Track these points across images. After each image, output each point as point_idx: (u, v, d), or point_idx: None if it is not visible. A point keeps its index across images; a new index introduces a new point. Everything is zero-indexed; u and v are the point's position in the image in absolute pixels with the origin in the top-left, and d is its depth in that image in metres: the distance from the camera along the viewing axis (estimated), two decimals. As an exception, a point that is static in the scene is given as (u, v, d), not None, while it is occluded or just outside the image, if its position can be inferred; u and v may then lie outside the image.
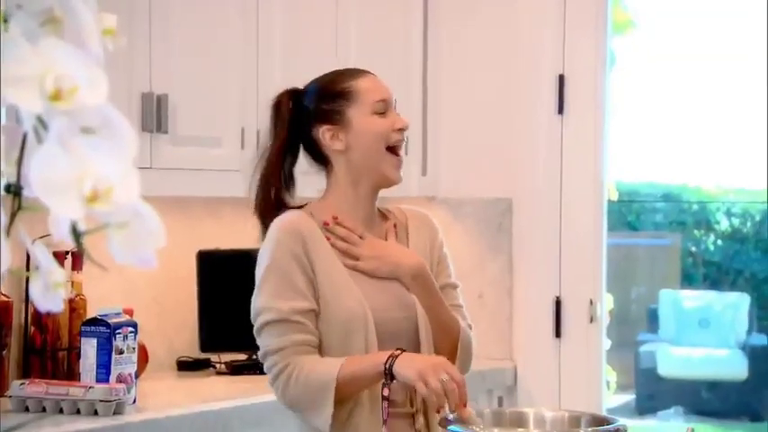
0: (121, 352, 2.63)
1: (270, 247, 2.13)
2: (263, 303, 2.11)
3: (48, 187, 0.80)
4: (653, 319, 7.70)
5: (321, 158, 2.21)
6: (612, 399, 6.59)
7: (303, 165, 2.25)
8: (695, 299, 7.67)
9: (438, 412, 2.00)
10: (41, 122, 0.83)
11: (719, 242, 7.93)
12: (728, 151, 7.42)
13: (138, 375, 2.71)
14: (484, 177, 3.65)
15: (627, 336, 7.24)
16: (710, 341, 7.42)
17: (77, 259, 2.83)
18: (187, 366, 3.23)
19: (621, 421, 1.86)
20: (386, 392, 2.00)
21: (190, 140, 2.97)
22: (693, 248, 7.97)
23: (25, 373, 2.80)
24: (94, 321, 2.65)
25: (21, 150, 0.84)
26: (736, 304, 7.53)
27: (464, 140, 3.67)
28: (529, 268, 3.59)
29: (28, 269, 0.88)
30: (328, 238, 2.15)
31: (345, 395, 2.04)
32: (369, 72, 2.21)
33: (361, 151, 2.15)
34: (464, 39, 3.67)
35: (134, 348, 2.67)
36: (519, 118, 3.59)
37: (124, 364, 2.63)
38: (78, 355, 2.68)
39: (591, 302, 3.56)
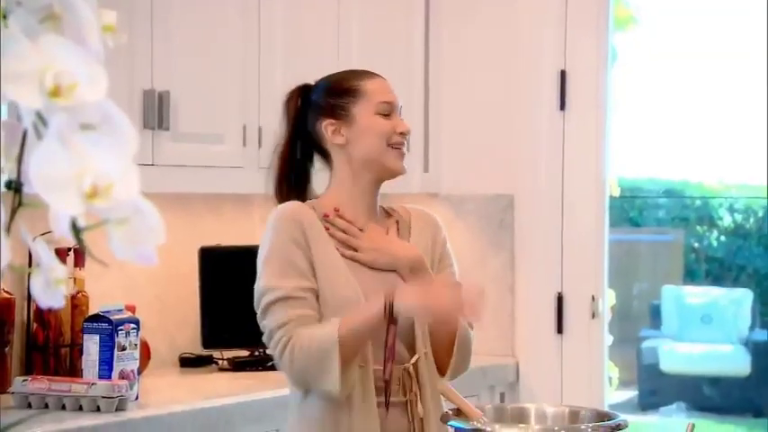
0: (124, 348, 2.63)
1: (270, 234, 2.15)
2: (267, 284, 2.13)
3: (47, 183, 0.81)
4: (655, 315, 7.70)
5: (323, 153, 2.24)
6: (615, 395, 6.59)
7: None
8: (698, 295, 7.67)
9: (471, 327, 2.13)
10: (41, 119, 0.83)
11: (722, 238, 7.92)
12: (731, 147, 7.41)
13: (140, 372, 2.71)
14: (486, 174, 3.65)
15: (629, 332, 7.24)
16: (713, 337, 7.42)
17: (80, 256, 2.83)
18: (189, 363, 3.24)
19: (622, 417, 1.86)
20: (390, 340, 2.02)
21: (191, 137, 2.97)
22: (696, 244, 7.97)
23: (28, 369, 2.81)
24: (97, 318, 2.65)
25: (21, 147, 0.84)
26: (739, 300, 7.53)
27: (466, 137, 3.67)
28: (531, 264, 3.59)
29: (30, 266, 0.88)
30: (327, 229, 2.17)
31: (350, 352, 2.05)
32: (379, 75, 2.25)
33: (361, 147, 2.18)
34: (466, 34, 3.67)
35: (136, 345, 2.67)
36: (520, 114, 3.59)
37: (126, 361, 2.63)
38: (80, 352, 2.68)
39: (593, 298, 3.56)
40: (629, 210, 7.96)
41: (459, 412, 1.88)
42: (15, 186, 0.85)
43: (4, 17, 0.83)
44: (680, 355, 7.41)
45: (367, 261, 2.17)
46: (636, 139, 7.29)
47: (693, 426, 1.78)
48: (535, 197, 3.59)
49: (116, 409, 2.49)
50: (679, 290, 7.71)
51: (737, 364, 7.28)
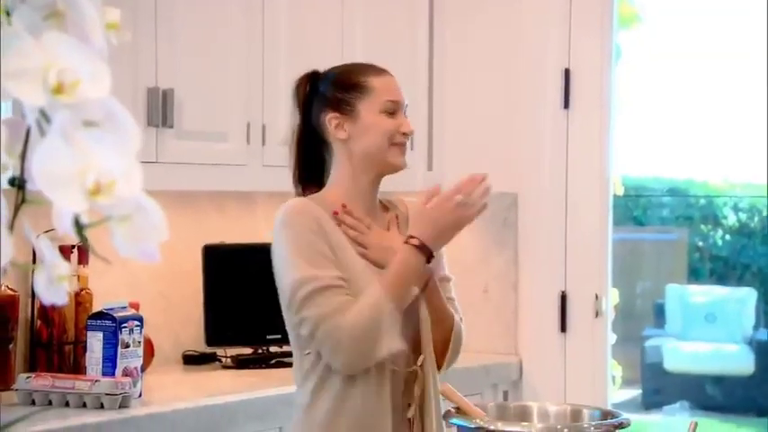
0: (127, 346, 2.64)
1: (288, 230, 2.11)
2: (302, 275, 2.07)
3: (50, 180, 0.81)
4: (659, 314, 7.70)
5: (326, 144, 2.24)
6: (618, 393, 6.58)
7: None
8: (702, 294, 7.66)
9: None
10: (44, 116, 0.83)
11: (727, 237, 7.91)
12: (736, 145, 7.40)
13: (143, 369, 2.72)
14: (489, 172, 3.62)
15: (633, 330, 7.24)
16: (717, 336, 7.41)
17: (83, 253, 2.84)
18: (193, 360, 3.24)
19: (625, 415, 1.86)
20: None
21: (195, 135, 2.98)
22: (700, 243, 7.96)
23: (32, 366, 2.81)
24: (100, 315, 2.66)
25: (24, 144, 0.84)
26: (743, 299, 7.52)
27: (469, 135, 3.67)
28: (534, 263, 3.59)
29: (34, 263, 0.88)
30: (339, 225, 2.17)
31: (399, 309, 2.08)
32: (388, 72, 2.24)
33: (363, 144, 2.18)
34: (470, 33, 3.67)
35: (140, 342, 2.68)
36: (524, 113, 3.59)
37: (130, 358, 2.64)
38: (84, 349, 2.69)
39: (596, 297, 3.55)
40: (634, 208, 7.96)
41: (460, 411, 1.88)
42: (19, 183, 0.85)
43: (8, 14, 0.84)
44: (684, 353, 7.40)
45: (375, 259, 2.16)
46: (640, 138, 7.28)
47: (696, 424, 1.78)
48: (539, 196, 3.58)
49: (119, 407, 2.50)
50: (683, 289, 7.70)
51: (741, 363, 7.28)
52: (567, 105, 3.56)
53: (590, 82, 3.54)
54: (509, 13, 3.61)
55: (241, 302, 3.29)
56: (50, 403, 2.51)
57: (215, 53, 3.03)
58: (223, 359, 3.24)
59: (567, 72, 3.55)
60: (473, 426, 1.82)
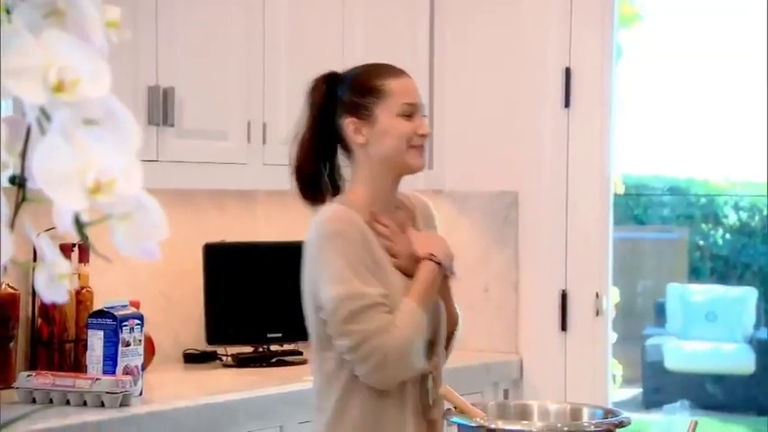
0: (128, 344, 2.64)
1: (336, 240, 2.14)
2: (352, 290, 2.11)
3: (51, 178, 0.81)
4: (660, 313, 7.70)
5: (347, 148, 2.26)
6: (619, 392, 6.58)
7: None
8: (702, 293, 7.66)
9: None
10: (44, 114, 0.83)
11: (727, 236, 7.91)
12: (736, 144, 7.40)
13: (144, 368, 2.72)
14: (490, 171, 3.65)
15: (633, 329, 7.24)
16: (718, 335, 7.41)
17: (84, 252, 2.84)
18: (193, 359, 3.24)
19: (625, 414, 1.86)
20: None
21: (196, 134, 2.98)
22: (701, 242, 7.96)
23: (32, 364, 2.81)
24: (101, 313, 2.66)
25: (24, 142, 0.84)
26: (744, 298, 7.52)
27: (470, 134, 3.67)
28: (535, 261, 3.59)
29: (35, 261, 0.88)
30: (376, 234, 2.21)
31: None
32: (404, 73, 2.26)
33: (381, 148, 2.21)
34: (470, 32, 3.67)
35: (140, 340, 2.68)
36: (525, 111, 3.59)
37: (130, 357, 2.64)
38: (85, 347, 2.69)
39: (597, 296, 3.55)
40: (634, 207, 7.96)
41: (459, 411, 1.89)
42: (19, 182, 0.85)
43: (8, 12, 0.84)
44: (684, 352, 7.40)
45: (404, 267, 2.21)
46: (641, 137, 7.28)
47: (697, 423, 1.78)
48: (539, 194, 3.58)
49: (120, 405, 2.50)
50: (684, 288, 7.70)
51: (742, 362, 7.28)
52: (567, 104, 3.56)
53: (591, 81, 3.54)
54: (509, 12, 3.61)
55: (241, 301, 3.29)
56: (51, 401, 2.51)
57: (215, 52, 3.03)
58: (224, 358, 3.24)
59: (567, 71, 3.55)
60: (474, 424, 1.82)
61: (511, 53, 3.61)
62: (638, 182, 7.75)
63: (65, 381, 2.54)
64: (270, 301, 3.32)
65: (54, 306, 2.77)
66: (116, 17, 0.88)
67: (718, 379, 7.28)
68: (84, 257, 2.86)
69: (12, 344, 2.71)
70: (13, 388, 2.57)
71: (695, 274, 7.89)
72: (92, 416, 2.42)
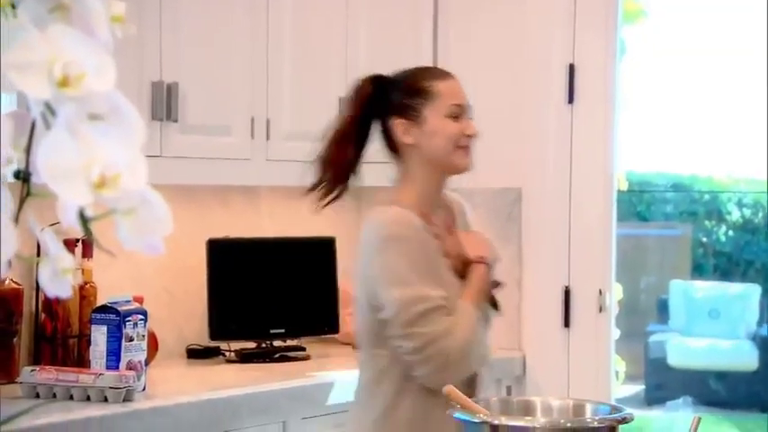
0: (131, 339, 2.64)
1: (401, 244, 2.18)
2: (417, 293, 2.16)
3: (55, 173, 0.81)
4: (663, 310, 7.70)
5: (393, 148, 2.30)
6: (621, 389, 6.59)
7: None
8: (705, 289, 7.66)
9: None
10: (49, 109, 0.83)
11: (730, 233, 7.91)
12: (740, 141, 7.39)
13: (147, 363, 2.72)
14: (494, 167, 3.64)
15: (636, 326, 7.24)
16: (721, 332, 7.41)
17: (88, 247, 2.84)
18: (197, 354, 3.25)
19: (628, 410, 1.86)
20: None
21: (199, 129, 2.98)
22: (704, 239, 7.95)
23: (36, 359, 2.82)
24: (104, 309, 2.66)
25: (29, 137, 0.84)
26: (747, 295, 7.52)
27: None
28: (538, 258, 3.59)
29: (39, 256, 0.88)
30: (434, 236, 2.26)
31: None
32: (451, 75, 2.31)
33: (430, 149, 2.26)
34: (474, 28, 3.67)
35: (144, 336, 2.68)
36: (529, 108, 3.59)
37: (134, 352, 2.64)
38: (88, 343, 2.69)
39: (600, 292, 3.55)
40: (637, 204, 7.95)
41: (462, 408, 1.90)
42: (24, 176, 0.85)
43: (14, 7, 0.84)
44: (687, 349, 7.40)
45: (455, 268, 2.26)
46: (644, 133, 7.28)
47: (700, 419, 1.78)
48: (543, 191, 3.58)
49: (123, 400, 2.50)
50: (687, 284, 7.70)
51: (745, 358, 7.27)
52: (571, 101, 3.56)
53: (594, 77, 3.53)
54: (514, 8, 3.60)
55: (245, 296, 3.30)
56: (54, 396, 2.52)
57: (219, 47, 3.03)
58: (227, 353, 3.24)
59: (571, 67, 3.55)
60: (477, 420, 1.82)
61: (514, 50, 3.61)
62: (641, 178, 7.75)
63: (68, 376, 2.54)
64: (273, 297, 3.33)
65: (57, 301, 2.77)
66: (121, 12, 0.88)
67: (721, 376, 7.28)
68: (87, 252, 2.86)
69: (15, 339, 2.72)
70: (16, 383, 2.58)
71: (698, 271, 7.89)
72: (95, 411, 2.43)
